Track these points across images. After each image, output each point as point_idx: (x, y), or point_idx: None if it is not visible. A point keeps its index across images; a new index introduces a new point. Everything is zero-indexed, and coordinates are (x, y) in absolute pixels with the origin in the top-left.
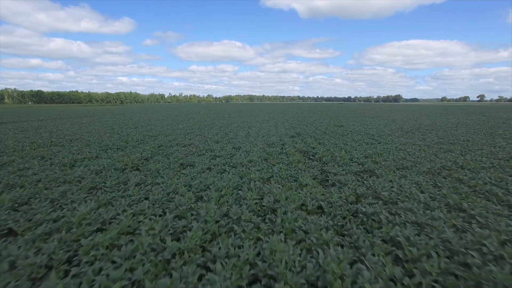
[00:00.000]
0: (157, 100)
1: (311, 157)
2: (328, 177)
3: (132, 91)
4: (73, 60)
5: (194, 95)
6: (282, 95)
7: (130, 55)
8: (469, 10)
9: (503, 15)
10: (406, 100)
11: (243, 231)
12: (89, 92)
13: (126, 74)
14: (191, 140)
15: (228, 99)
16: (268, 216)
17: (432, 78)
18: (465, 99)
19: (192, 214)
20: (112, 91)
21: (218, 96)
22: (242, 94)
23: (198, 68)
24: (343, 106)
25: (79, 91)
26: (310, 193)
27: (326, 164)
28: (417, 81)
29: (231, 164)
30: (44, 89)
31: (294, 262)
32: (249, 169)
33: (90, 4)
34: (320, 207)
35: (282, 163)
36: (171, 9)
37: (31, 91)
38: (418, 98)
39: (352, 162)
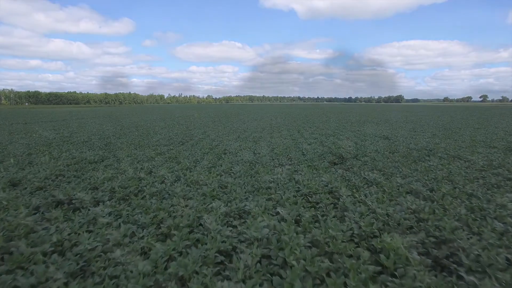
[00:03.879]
0: (156, 101)
1: (446, 264)
2: None
3: (132, 92)
4: (72, 61)
5: (193, 95)
6: (282, 96)
7: (130, 55)
8: (469, 10)
9: (503, 15)
10: (407, 101)
11: None
12: (87, 93)
13: (126, 75)
14: (153, 176)
15: (228, 99)
16: None
17: (432, 78)
18: (467, 99)
19: None
20: (112, 92)
21: (218, 97)
22: (242, 95)
23: (198, 68)
24: (348, 107)
25: (77, 92)
26: None
27: None
28: (417, 82)
29: None
30: (44, 90)
31: None
32: None
33: (89, 5)
34: None
35: None
36: (170, 9)
37: (28, 92)
38: (419, 98)
39: None
